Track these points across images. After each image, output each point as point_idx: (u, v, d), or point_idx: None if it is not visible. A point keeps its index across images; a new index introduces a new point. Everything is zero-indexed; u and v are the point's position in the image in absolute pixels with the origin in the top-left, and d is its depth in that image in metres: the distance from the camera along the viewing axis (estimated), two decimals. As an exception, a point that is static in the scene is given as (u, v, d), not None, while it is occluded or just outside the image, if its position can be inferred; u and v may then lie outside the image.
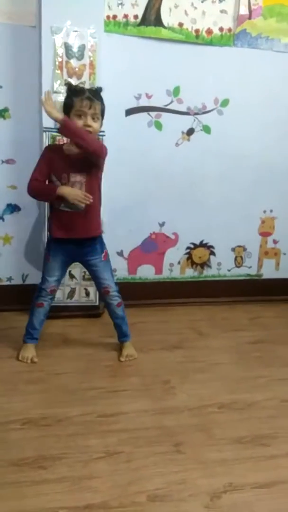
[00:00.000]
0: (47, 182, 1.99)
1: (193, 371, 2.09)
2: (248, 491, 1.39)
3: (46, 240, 2.43)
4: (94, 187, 1.98)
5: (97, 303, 2.60)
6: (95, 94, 1.88)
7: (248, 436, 1.64)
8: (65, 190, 1.92)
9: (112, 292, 2.13)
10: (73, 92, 1.88)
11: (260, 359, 2.23)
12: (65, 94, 1.94)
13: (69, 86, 1.94)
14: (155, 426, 1.68)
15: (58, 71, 2.25)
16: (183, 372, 2.07)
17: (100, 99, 1.89)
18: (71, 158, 1.93)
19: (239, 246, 2.94)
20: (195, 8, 2.47)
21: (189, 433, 1.64)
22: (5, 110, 2.40)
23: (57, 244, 2.04)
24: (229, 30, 2.55)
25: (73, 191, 1.93)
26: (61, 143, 2.12)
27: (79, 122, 1.85)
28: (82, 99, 1.84)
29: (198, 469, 1.47)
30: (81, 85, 2.03)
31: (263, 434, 1.65)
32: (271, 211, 2.93)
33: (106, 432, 1.62)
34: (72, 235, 2.00)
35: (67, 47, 2.23)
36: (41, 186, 1.97)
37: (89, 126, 1.85)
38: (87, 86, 2.26)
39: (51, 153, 1.98)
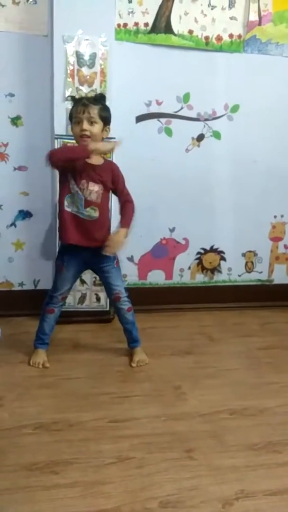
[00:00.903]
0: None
1: (204, 377, 2.08)
2: (261, 498, 1.38)
3: (58, 246, 2.46)
4: (107, 201, 2.04)
5: (107, 309, 2.61)
6: (93, 99, 1.94)
7: (260, 443, 1.63)
8: (97, 145, 1.91)
9: (123, 298, 2.14)
10: (73, 102, 1.97)
11: (272, 365, 2.22)
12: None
13: (72, 97, 2.02)
14: (167, 432, 1.67)
15: (70, 79, 2.28)
16: (194, 377, 2.07)
17: (99, 104, 1.92)
18: (92, 168, 1.97)
19: (250, 251, 2.93)
20: (205, 15, 2.49)
21: (201, 439, 1.64)
22: (18, 118, 2.44)
23: (71, 252, 2.04)
24: (239, 36, 2.56)
25: (107, 144, 1.97)
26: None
27: (76, 129, 1.92)
28: (77, 106, 1.91)
29: (210, 475, 1.46)
30: (84, 95, 2.09)
31: (275, 441, 1.64)
32: (281, 216, 2.92)
33: (118, 438, 1.63)
34: (90, 244, 2.01)
35: (79, 56, 2.26)
36: (67, 147, 2.02)
37: (85, 130, 1.88)
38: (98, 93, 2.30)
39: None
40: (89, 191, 1.96)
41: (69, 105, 2.28)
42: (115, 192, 2.08)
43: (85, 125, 1.88)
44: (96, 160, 1.98)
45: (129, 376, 2.07)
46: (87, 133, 1.89)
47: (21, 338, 2.36)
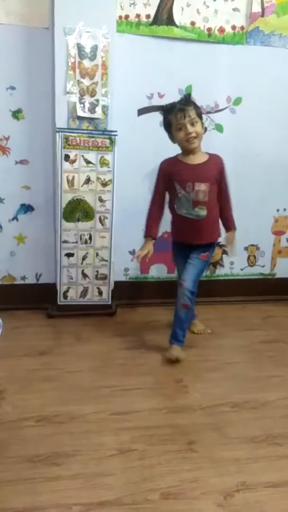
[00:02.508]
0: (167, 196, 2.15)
1: (205, 370, 2.09)
2: (261, 490, 1.38)
3: (60, 239, 2.47)
4: (215, 196, 2.09)
5: (109, 302, 2.62)
6: (185, 102, 2.01)
7: (261, 436, 1.63)
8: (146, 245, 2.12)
9: (185, 288, 2.09)
10: (166, 111, 2.04)
11: (273, 359, 2.22)
12: (161, 117, 2.11)
13: (162, 108, 2.08)
14: (168, 425, 1.68)
15: (71, 72, 2.27)
16: (196, 371, 2.07)
17: (192, 104, 2.01)
18: (196, 168, 2.03)
19: (252, 245, 2.92)
20: (207, 6, 2.46)
21: (202, 432, 1.64)
22: (19, 111, 2.43)
23: (178, 248, 2.21)
24: (242, 28, 2.54)
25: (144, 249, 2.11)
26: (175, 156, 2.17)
27: (181, 134, 1.98)
28: (175, 113, 1.98)
29: (211, 467, 1.47)
30: (171, 103, 2.10)
31: (276, 434, 1.64)
32: (284, 209, 2.90)
33: (119, 430, 1.64)
34: (190, 241, 2.12)
35: (80, 48, 2.25)
36: (148, 218, 2.15)
37: (191, 133, 1.97)
38: (99, 86, 2.30)
39: (170, 167, 2.08)
40: (195, 191, 2.03)
41: (71, 98, 2.29)
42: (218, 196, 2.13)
43: (190, 128, 1.96)
44: (199, 158, 2.06)
45: (131, 369, 2.08)
46: (194, 134, 1.98)
47: (24, 331, 2.37)
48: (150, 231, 2.13)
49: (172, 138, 2.06)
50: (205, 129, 2.10)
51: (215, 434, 1.64)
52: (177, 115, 1.97)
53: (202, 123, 2.04)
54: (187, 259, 2.15)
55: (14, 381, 1.92)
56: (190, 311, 2.17)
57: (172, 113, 1.99)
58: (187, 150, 2.06)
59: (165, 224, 2.75)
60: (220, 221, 2.20)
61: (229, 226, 2.20)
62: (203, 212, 2.06)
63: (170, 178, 2.08)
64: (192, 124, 1.97)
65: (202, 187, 2.03)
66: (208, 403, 1.82)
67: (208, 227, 2.11)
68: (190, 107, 1.97)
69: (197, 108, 2.02)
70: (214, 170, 2.07)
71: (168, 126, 2.04)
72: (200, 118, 2.02)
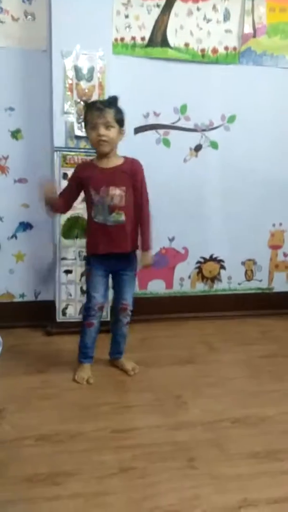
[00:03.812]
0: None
1: (205, 385, 2.08)
2: (263, 507, 1.37)
3: (59, 256, 2.48)
4: (132, 201, 1.99)
5: (108, 319, 2.61)
6: (107, 103, 1.91)
7: (262, 451, 1.63)
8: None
9: (128, 311, 2.13)
10: (86, 107, 1.96)
11: (273, 373, 2.22)
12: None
13: (85, 103, 2.00)
14: (169, 442, 1.67)
15: (69, 93, 2.32)
16: (195, 386, 2.07)
17: (113, 107, 1.90)
18: (109, 171, 1.95)
19: (249, 260, 2.95)
20: (201, 28, 2.53)
21: (203, 448, 1.64)
22: (18, 131, 2.47)
23: (96, 258, 2.04)
24: (234, 48, 2.60)
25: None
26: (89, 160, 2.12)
27: (93, 134, 1.89)
28: (92, 111, 1.89)
29: (212, 484, 1.46)
30: (95, 100, 2.06)
31: (277, 449, 1.64)
32: (280, 224, 2.94)
33: (120, 448, 1.63)
34: (113, 249, 1.99)
35: (77, 70, 2.31)
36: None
37: (102, 135, 1.87)
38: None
39: (84, 171, 2.01)
40: (110, 196, 1.93)
41: (69, 118, 2.33)
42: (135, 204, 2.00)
43: (102, 131, 1.86)
44: (113, 161, 1.96)
45: (130, 386, 2.07)
46: (105, 138, 1.87)
47: (22, 349, 2.36)
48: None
49: (87, 135, 1.97)
50: (123, 135, 1.96)
51: (216, 450, 1.63)
52: (93, 113, 1.87)
53: (121, 130, 1.93)
54: (108, 274, 2.09)
55: (13, 399, 1.91)
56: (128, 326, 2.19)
57: (90, 110, 1.90)
58: (99, 153, 1.97)
59: (162, 239, 2.79)
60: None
61: (143, 245, 2.04)
62: (121, 217, 1.95)
63: (83, 183, 1.98)
64: (107, 128, 1.86)
65: (117, 191, 1.93)
66: (208, 419, 1.81)
67: (128, 233, 1.99)
68: (109, 109, 1.87)
69: (118, 113, 1.90)
70: (128, 173, 1.96)
71: (85, 123, 1.95)
72: (119, 124, 1.91)
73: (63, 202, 2.05)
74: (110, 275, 2.13)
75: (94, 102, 1.97)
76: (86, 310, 2.10)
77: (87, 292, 2.10)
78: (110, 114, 1.87)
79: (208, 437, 1.70)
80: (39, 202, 2.04)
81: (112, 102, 1.93)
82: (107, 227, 1.97)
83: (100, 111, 1.86)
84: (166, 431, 1.74)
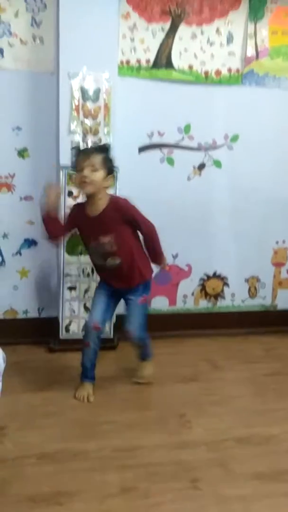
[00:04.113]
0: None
1: (209, 404, 2.07)
2: (268, 530, 1.35)
3: (63, 273, 2.50)
4: (126, 240, 2.00)
5: (111, 336, 2.62)
6: (97, 148, 1.99)
7: (267, 472, 1.61)
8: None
9: (133, 337, 2.12)
10: (77, 151, 2.02)
11: (277, 392, 2.20)
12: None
13: (75, 149, 2.05)
14: (172, 461, 1.66)
15: (75, 113, 2.37)
16: (199, 405, 2.05)
17: (102, 152, 1.94)
18: (95, 220, 1.96)
19: (253, 277, 2.95)
20: (204, 51, 2.59)
21: (206, 469, 1.62)
22: (24, 150, 2.52)
23: (103, 284, 2.13)
24: (237, 70, 2.66)
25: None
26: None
27: (76, 176, 1.94)
28: (79, 155, 1.97)
29: (216, 505, 1.44)
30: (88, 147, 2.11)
31: (282, 470, 1.62)
32: (283, 241, 2.95)
33: (123, 467, 1.61)
34: (116, 286, 2.07)
35: (83, 91, 2.36)
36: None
37: (85, 177, 1.88)
38: (101, 126, 2.39)
39: (76, 216, 2.06)
40: (101, 244, 1.98)
41: (74, 137, 2.38)
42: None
43: (86, 172, 1.88)
44: (99, 206, 1.96)
45: (133, 404, 2.06)
46: (87, 179, 1.88)
47: (25, 366, 2.36)
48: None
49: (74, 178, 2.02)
50: (112, 182, 2.01)
51: (220, 470, 1.61)
52: (79, 157, 1.95)
53: (108, 176, 1.94)
54: (113, 298, 2.12)
55: (15, 417, 1.90)
56: (147, 346, 2.21)
57: (79, 154, 1.99)
58: (85, 195, 2.00)
59: (166, 256, 2.80)
60: (144, 261, 2.10)
61: (156, 260, 2.11)
62: (117, 261, 2.00)
63: (77, 227, 2.08)
64: (92, 170, 1.88)
65: (106, 239, 1.96)
66: (212, 438, 1.80)
67: (126, 272, 2.03)
68: (97, 154, 1.90)
69: (106, 160, 1.93)
70: (116, 217, 1.96)
71: (74, 166, 2.01)
72: (107, 170, 1.92)
73: (60, 224, 2.10)
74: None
75: (85, 148, 2.02)
76: (83, 329, 2.14)
77: (90, 311, 2.15)
78: (97, 159, 1.90)
79: (212, 457, 1.69)
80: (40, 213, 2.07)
81: (102, 148, 1.99)
82: (106, 268, 2.04)
83: (87, 154, 1.93)
84: (169, 450, 1.72)
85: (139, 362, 2.24)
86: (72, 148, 1.98)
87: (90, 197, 1.97)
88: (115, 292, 2.10)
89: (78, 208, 2.09)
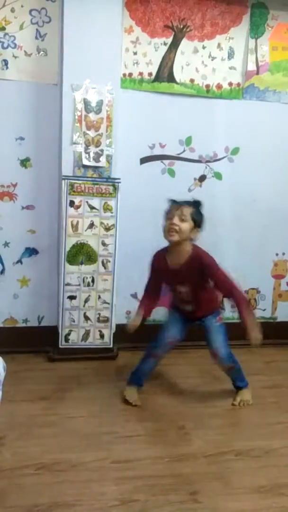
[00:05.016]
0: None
1: (208, 416, 2.05)
2: None
3: (63, 282, 2.51)
4: (199, 292, 2.09)
5: (111, 346, 2.61)
6: (189, 202, 2.04)
7: (266, 485, 1.59)
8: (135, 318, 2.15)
9: (221, 357, 2.14)
10: (171, 202, 2.06)
11: (277, 405, 2.19)
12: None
13: (171, 200, 2.08)
14: (171, 474, 1.64)
15: (78, 124, 2.40)
16: (198, 417, 2.04)
17: (193, 206, 2.02)
18: (175, 271, 2.05)
19: (253, 289, 2.95)
20: (206, 65, 2.64)
21: (206, 482, 1.60)
22: (27, 159, 2.54)
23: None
24: (238, 84, 2.70)
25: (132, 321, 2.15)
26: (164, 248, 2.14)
27: (166, 223, 2.01)
28: (172, 205, 2.03)
29: (216, 519, 1.42)
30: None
31: (282, 483, 1.60)
32: (283, 254, 2.96)
33: (121, 479, 1.60)
34: (192, 318, 2.17)
35: (86, 103, 2.39)
36: (140, 303, 2.21)
37: (173, 224, 1.96)
38: (103, 137, 2.42)
39: (158, 264, 2.11)
40: (178, 292, 2.11)
41: (77, 148, 2.41)
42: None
43: (175, 220, 1.97)
44: (181, 257, 2.04)
45: (132, 415, 2.05)
46: (176, 227, 1.97)
47: (24, 375, 2.35)
48: (140, 310, 2.17)
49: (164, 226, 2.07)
50: (196, 235, 2.05)
51: (219, 483, 1.60)
52: (172, 207, 2.02)
53: (195, 229, 2.01)
54: (185, 323, 2.19)
55: (13, 427, 1.89)
56: (236, 368, 2.22)
57: (171, 204, 2.05)
58: (169, 243, 2.05)
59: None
60: (214, 298, 2.19)
61: (244, 323, 2.05)
62: (191, 307, 2.13)
63: (158, 274, 2.13)
64: (182, 220, 1.97)
65: (183, 288, 2.08)
66: (211, 451, 1.78)
67: (201, 311, 2.14)
68: (187, 207, 1.99)
69: (196, 214, 2.01)
70: (194, 271, 2.03)
71: (165, 214, 2.08)
72: (195, 223, 2.00)
73: (149, 299, 2.18)
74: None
75: (178, 200, 2.06)
76: (155, 342, 2.18)
77: (164, 325, 2.22)
78: (187, 210, 1.99)
79: (211, 470, 1.67)
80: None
81: (194, 203, 2.05)
82: (184, 306, 2.15)
83: (178, 205, 2.00)
84: (168, 463, 1.71)
85: (237, 390, 2.23)
86: (169, 200, 2.08)
87: (174, 245, 2.03)
88: (189, 318, 2.19)
89: (159, 258, 2.13)
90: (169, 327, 2.19)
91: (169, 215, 2.02)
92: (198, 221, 2.02)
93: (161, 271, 2.10)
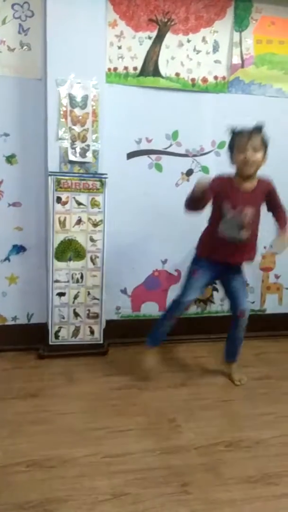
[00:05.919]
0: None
1: (199, 408, 2.07)
2: (258, 533, 1.35)
3: (52, 279, 2.49)
4: (257, 216, 2.16)
5: (101, 341, 2.61)
6: (256, 129, 2.04)
7: (256, 475, 1.61)
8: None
9: (246, 316, 2.23)
10: (235, 134, 2.08)
11: (266, 396, 2.22)
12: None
13: (232, 130, 2.10)
14: (162, 466, 1.65)
15: (63, 120, 2.38)
16: (189, 410, 2.06)
17: (260, 132, 2.04)
18: (246, 195, 2.10)
19: (241, 282, 2.97)
20: (191, 59, 2.63)
21: (197, 473, 1.62)
22: (12, 156, 2.52)
23: (207, 262, 2.20)
24: (223, 78, 2.70)
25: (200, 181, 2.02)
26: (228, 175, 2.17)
27: (240, 157, 2.02)
28: (241, 136, 2.04)
29: (207, 509, 1.44)
30: (241, 128, 2.13)
31: (271, 473, 1.63)
32: (271, 246, 2.98)
33: (112, 473, 1.60)
34: (229, 260, 2.18)
35: (71, 98, 2.37)
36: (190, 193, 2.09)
37: (251, 158, 2.00)
38: (89, 133, 2.41)
39: (222, 186, 2.10)
40: (243, 215, 2.09)
41: (62, 143, 2.39)
42: (270, 208, 2.19)
43: (250, 153, 2.00)
44: (253, 183, 2.10)
45: (123, 410, 2.05)
46: (252, 160, 2.00)
47: (14, 373, 2.34)
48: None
49: (232, 159, 2.10)
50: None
51: (210, 474, 1.61)
52: (242, 138, 2.03)
53: (265, 154, 2.07)
54: (212, 279, 2.25)
55: (4, 424, 1.88)
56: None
57: (239, 136, 2.05)
58: (242, 175, 2.09)
59: (155, 262, 2.81)
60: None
61: (281, 224, 2.20)
62: (247, 234, 2.13)
63: (217, 197, 2.10)
64: (255, 150, 2.01)
65: (249, 210, 2.10)
66: (202, 443, 1.80)
67: (249, 246, 2.19)
68: (257, 135, 2.02)
69: (264, 140, 2.05)
70: (261, 195, 2.14)
71: (232, 147, 2.09)
72: (265, 148, 2.06)
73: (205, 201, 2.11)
74: (221, 283, 2.34)
75: (242, 129, 2.07)
76: (176, 304, 2.22)
77: (185, 288, 2.22)
78: (258, 139, 2.02)
79: (202, 462, 1.69)
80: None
81: (260, 128, 2.05)
82: (236, 240, 2.13)
83: (249, 136, 2.01)
84: (159, 455, 1.72)
85: (228, 365, 2.34)
86: (228, 129, 2.08)
87: (247, 176, 2.07)
88: (220, 272, 2.21)
89: (222, 182, 2.12)
90: (192, 288, 2.20)
91: (241, 148, 2.02)
92: (267, 147, 2.07)
93: (227, 194, 2.09)
